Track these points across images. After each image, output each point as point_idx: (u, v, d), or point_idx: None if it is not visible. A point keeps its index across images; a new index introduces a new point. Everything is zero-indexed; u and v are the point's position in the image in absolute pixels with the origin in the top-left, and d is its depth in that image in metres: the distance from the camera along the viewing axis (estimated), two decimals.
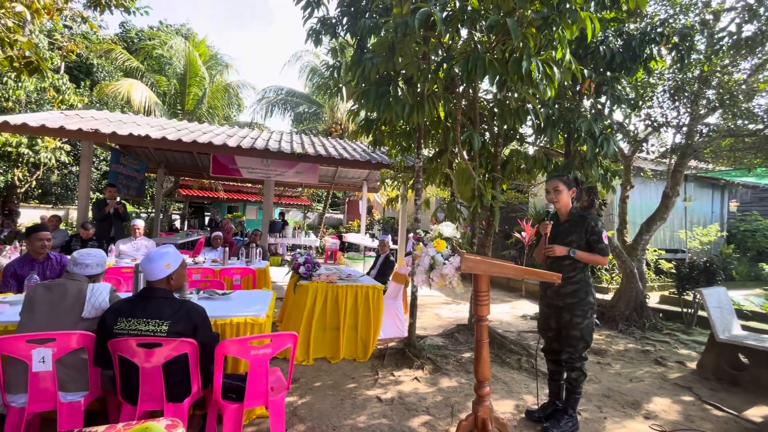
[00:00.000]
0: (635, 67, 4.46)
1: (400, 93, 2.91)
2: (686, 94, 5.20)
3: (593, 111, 4.16)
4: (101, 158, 12.99)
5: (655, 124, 5.62)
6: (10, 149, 8.55)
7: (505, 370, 3.62)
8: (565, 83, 3.50)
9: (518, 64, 2.32)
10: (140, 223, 5.92)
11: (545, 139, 4.34)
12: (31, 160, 8.84)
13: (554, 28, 2.31)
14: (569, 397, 2.53)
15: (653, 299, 6.16)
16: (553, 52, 2.74)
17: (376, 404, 2.89)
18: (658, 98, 5.48)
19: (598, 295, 6.32)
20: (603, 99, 4.25)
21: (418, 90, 3.07)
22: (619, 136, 5.36)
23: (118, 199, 6.88)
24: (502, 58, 2.56)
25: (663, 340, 4.61)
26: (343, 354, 3.82)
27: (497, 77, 2.42)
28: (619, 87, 4.29)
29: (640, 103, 5.29)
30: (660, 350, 4.28)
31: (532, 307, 6.46)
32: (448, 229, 2.20)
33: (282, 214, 20.13)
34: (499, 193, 4.46)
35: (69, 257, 2.40)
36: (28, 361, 1.89)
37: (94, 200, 10.07)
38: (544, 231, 2.55)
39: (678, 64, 4.58)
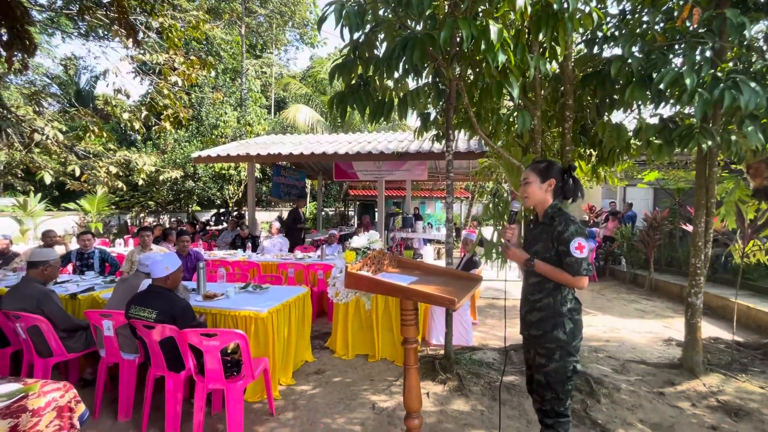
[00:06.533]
0: None
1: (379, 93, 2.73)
2: None
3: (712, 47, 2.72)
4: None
5: None
6: (224, 171, 12.14)
7: None
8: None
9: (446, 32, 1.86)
10: (276, 224, 7.50)
11: (635, 103, 3.17)
12: (236, 178, 12.30)
13: None
14: None
15: None
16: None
17: (365, 411, 2.88)
18: None
19: None
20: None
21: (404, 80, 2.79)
22: None
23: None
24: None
25: None
26: (382, 354, 3.87)
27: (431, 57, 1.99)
28: None
29: None
30: None
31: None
32: (361, 239, 2.02)
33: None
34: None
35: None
36: (101, 329, 2.84)
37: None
38: (505, 238, 1.97)
39: None
